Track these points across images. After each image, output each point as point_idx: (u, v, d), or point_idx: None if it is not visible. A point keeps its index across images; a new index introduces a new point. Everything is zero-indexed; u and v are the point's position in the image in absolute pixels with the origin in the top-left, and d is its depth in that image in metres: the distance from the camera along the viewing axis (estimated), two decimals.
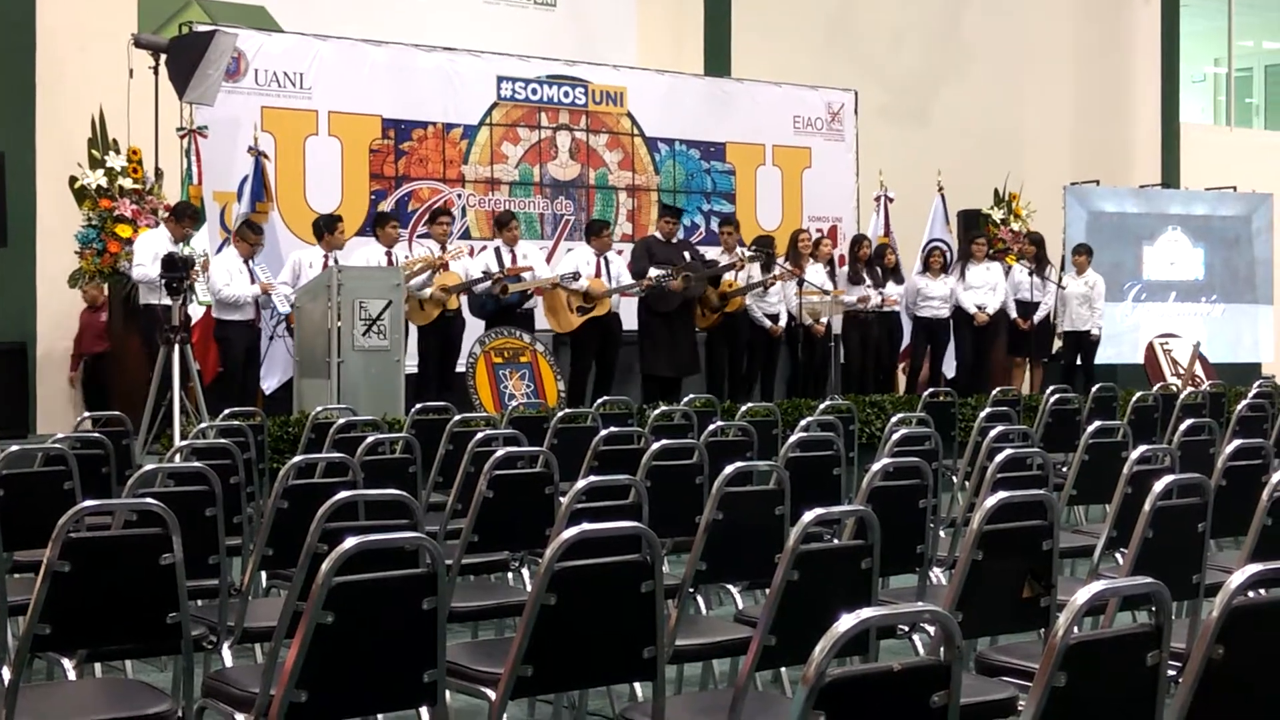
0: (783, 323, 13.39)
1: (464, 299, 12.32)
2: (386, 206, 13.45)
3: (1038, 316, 14.92)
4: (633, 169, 15.03)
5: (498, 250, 12.55)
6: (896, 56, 19.05)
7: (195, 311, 11.56)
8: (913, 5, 19.38)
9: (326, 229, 12.05)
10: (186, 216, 11.46)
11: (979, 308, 14.54)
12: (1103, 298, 15.26)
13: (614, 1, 17.07)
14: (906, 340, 14.73)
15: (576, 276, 12.48)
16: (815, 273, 13.55)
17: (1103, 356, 15.72)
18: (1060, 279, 15.16)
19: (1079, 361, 15.08)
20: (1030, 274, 14.87)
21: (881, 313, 14.08)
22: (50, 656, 4.39)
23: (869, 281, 14.00)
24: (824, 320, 13.43)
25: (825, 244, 14.22)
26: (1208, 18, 23.29)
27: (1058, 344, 15.52)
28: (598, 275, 12.66)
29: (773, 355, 13.47)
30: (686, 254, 13.04)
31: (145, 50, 12.01)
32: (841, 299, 13.60)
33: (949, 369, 14.93)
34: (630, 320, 12.96)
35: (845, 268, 14.19)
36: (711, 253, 13.77)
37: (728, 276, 13.13)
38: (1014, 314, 14.82)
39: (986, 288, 14.68)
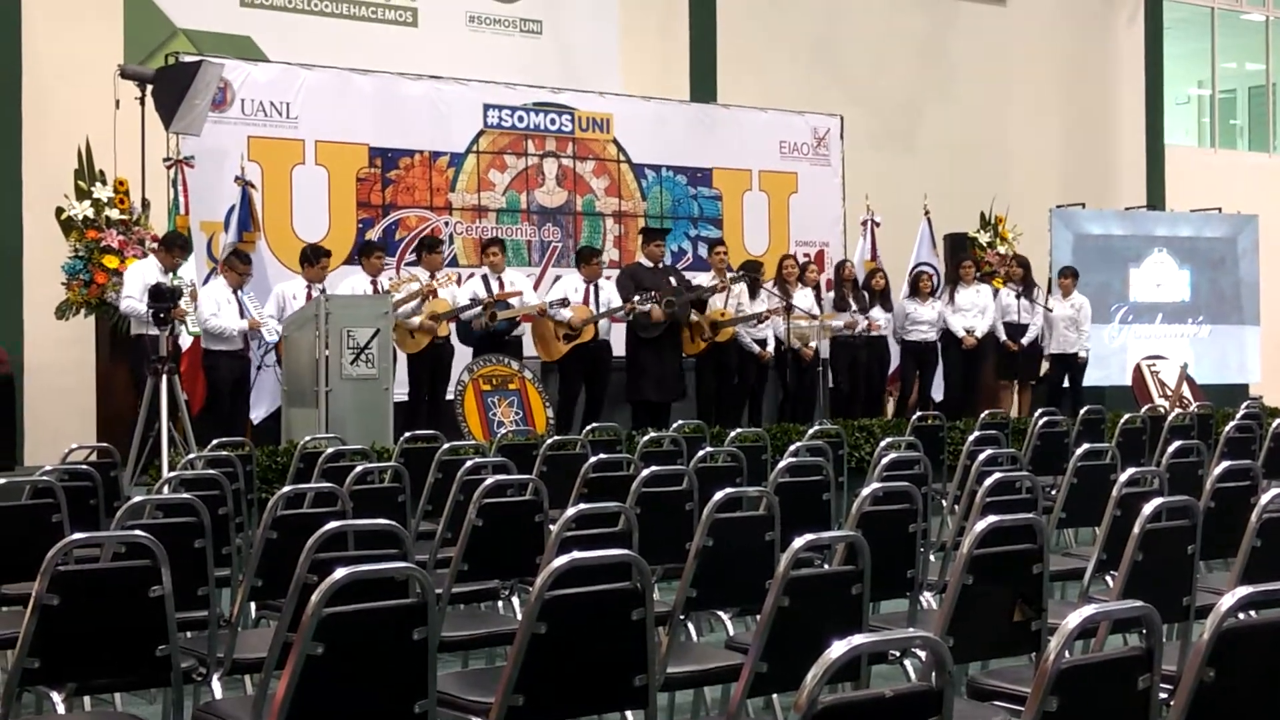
0: (770, 348, 13.41)
1: (452, 326, 12.32)
2: (374, 235, 13.45)
3: (1026, 339, 14.94)
4: (619, 195, 15.05)
5: (484, 278, 12.56)
6: (882, 81, 19.11)
7: (185, 341, 11.53)
8: (898, 30, 19.44)
9: (308, 261, 12.03)
10: (176, 246, 11.43)
11: (968, 331, 14.56)
12: (1089, 320, 15.29)
13: (599, 28, 17.12)
14: (895, 364, 14.74)
15: (565, 304, 12.47)
16: (803, 297, 13.57)
17: (1090, 378, 15.74)
18: (1046, 302, 15.18)
19: (1066, 384, 15.10)
20: (1018, 296, 14.92)
21: (869, 337, 14.09)
22: (39, 690, 4.38)
23: (854, 306, 14.02)
24: (812, 345, 13.44)
25: (812, 269, 14.23)
26: (1191, 40, 23.38)
27: (1046, 366, 15.56)
28: (586, 302, 12.65)
29: (761, 381, 13.48)
30: (671, 279, 13.03)
31: (132, 81, 12.01)
32: (829, 324, 13.62)
33: (937, 392, 14.95)
34: (620, 347, 12.95)
35: (831, 292, 14.20)
36: (701, 277, 13.76)
37: (718, 305, 13.11)
38: (1003, 337, 14.84)
39: (975, 310, 14.70)
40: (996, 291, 15.13)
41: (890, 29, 19.37)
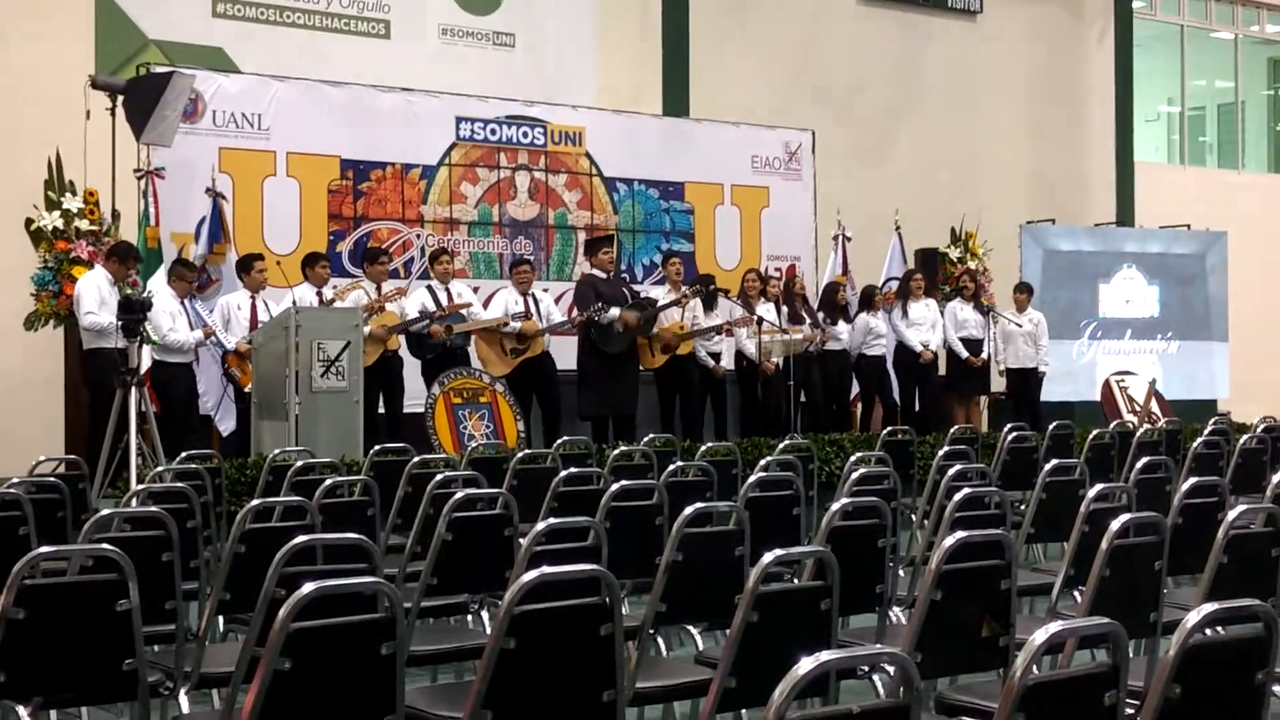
0: (725, 362, 13.40)
1: (402, 339, 12.26)
2: (345, 247, 13.43)
3: (986, 353, 14.99)
4: (591, 209, 15.05)
5: (431, 288, 12.50)
6: (854, 96, 19.18)
7: (145, 360, 11.44)
8: (870, 46, 19.52)
9: (242, 270, 12.03)
10: (130, 257, 11.32)
11: (924, 345, 14.59)
12: (1046, 335, 15.34)
13: (573, 42, 17.15)
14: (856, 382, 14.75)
15: (527, 316, 12.44)
16: (766, 311, 13.55)
17: (1059, 394, 15.80)
18: (1010, 315, 15.22)
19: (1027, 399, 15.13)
20: (978, 310, 14.97)
21: (824, 351, 14.09)
22: (5, 704, 4.35)
23: (807, 320, 14.02)
24: (775, 359, 13.44)
25: (773, 283, 14.22)
26: (1161, 57, 23.53)
27: (999, 381, 15.61)
28: (526, 313, 12.59)
29: (720, 394, 13.46)
30: (625, 291, 13.00)
31: (102, 91, 11.97)
32: (790, 338, 13.59)
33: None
34: (563, 360, 12.89)
35: (785, 307, 14.15)
36: (659, 290, 13.74)
37: (676, 317, 13.08)
38: (964, 352, 14.86)
39: (928, 324, 14.74)
40: (944, 307, 15.15)
41: (862, 45, 19.45)
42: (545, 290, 13.31)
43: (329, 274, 12.33)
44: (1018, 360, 15.19)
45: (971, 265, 16.63)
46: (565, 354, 12.95)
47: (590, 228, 14.92)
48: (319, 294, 11.97)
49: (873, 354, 14.51)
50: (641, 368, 12.99)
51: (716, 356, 13.39)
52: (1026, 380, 15.19)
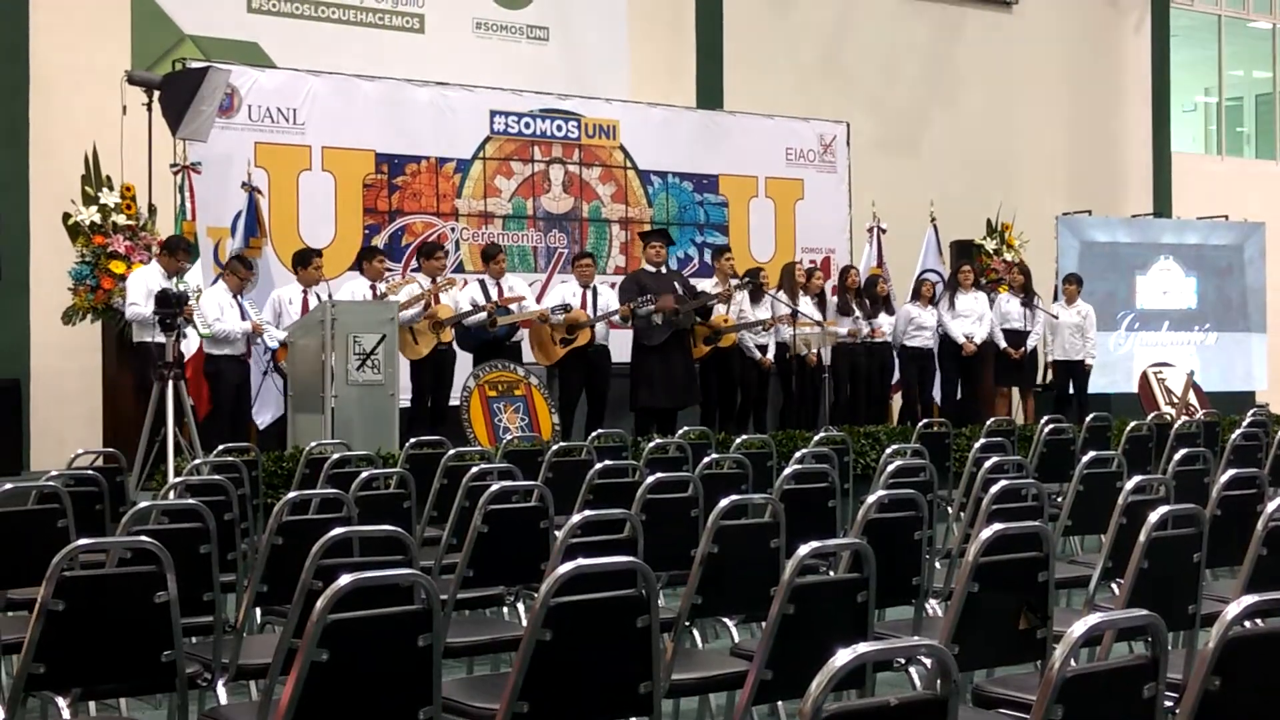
0: (771, 354, 13.38)
1: (454, 332, 12.32)
2: (380, 241, 13.47)
3: (1027, 346, 14.92)
4: (626, 202, 15.05)
5: (483, 283, 12.55)
6: (888, 88, 19.11)
7: (190, 347, 11.53)
8: (904, 37, 19.44)
9: (300, 264, 12.07)
10: (180, 250, 11.43)
11: (967, 337, 14.54)
12: (1094, 327, 15.27)
13: (607, 35, 17.13)
14: (897, 371, 14.73)
15: (567, 309, 12.46)
16: (806, 304, 13.55)
17: (1096, 386, 15.73)
18: (1051, 308, 15.16)
19: (1071, 391, 15.08)
20: (1022, 304, 14.91)
21: (871, 344, 14.08)
22: (44, 695, 4.38)
23: (858, 313, 14.01)
24: (815, 351, 13.43)
25: (817, 275, 14.23)
26: (1198, 47, 23.37)
27: (1049, 373, 15.54)
28: (584, 306, 12.62)
29: (764, 387, 13.45)
30: (677, 284, 12.98)
31: (139, 87, 12.03)
32: (833, 330, 13.61)
33: (937, 398, 14.94)
34: (619, 353, 12.92)
35: (835, 298, 14.18)
36: (707, 283, 13.74)
37: (720, 310, 13.09)
38: (1003, 343, 14.82)
39: (974, 317, 14.69)
40: (994, 299, 15.10)
41: (897, 36, 19.37)
42: (612, 286, 13.28)
43: (385, 268, 12.41)
44: (1064, 352, 15.12)
45: (1008, 257, 16.56)
46: (624, 347, 12.97)
47: (625, 221, 14.93)
48: (373, 288, 12.03)
49: (914, 345, 14.47)
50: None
51: (764, 349, 13.36)
52: (1072, 373, 15.11)
